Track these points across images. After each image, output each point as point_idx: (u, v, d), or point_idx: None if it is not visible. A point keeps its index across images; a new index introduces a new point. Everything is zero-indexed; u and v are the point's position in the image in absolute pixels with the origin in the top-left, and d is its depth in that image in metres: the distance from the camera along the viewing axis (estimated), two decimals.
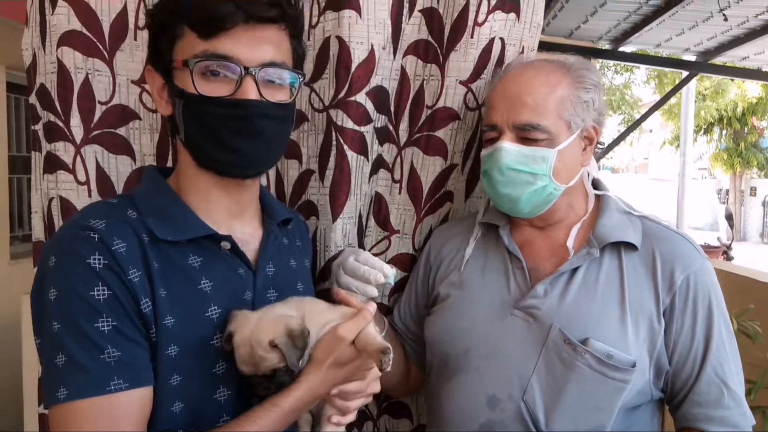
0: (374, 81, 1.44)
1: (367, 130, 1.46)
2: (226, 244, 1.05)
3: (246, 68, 0.97)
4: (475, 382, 1.23)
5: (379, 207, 1.55)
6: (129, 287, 0.92)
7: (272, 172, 1.53)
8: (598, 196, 1.34)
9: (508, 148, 1.22)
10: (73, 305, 0.89)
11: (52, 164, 1.34)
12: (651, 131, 25.28)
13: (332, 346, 1.01)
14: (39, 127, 1.36)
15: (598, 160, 1.85)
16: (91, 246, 0.91)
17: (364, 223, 1.54)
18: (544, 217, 1.30)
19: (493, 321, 1.26)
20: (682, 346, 1.17)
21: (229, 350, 0.99)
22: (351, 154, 1.44)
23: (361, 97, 1.43)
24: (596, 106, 1.27)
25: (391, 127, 1.52)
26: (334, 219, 1.46)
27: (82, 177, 1.35)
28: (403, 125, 1.51)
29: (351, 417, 1.13)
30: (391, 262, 1.54)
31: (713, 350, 1.16)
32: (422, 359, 1.43)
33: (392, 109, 1.51)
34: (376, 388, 1.15)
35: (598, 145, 1.34)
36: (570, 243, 1.27)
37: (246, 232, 1.13)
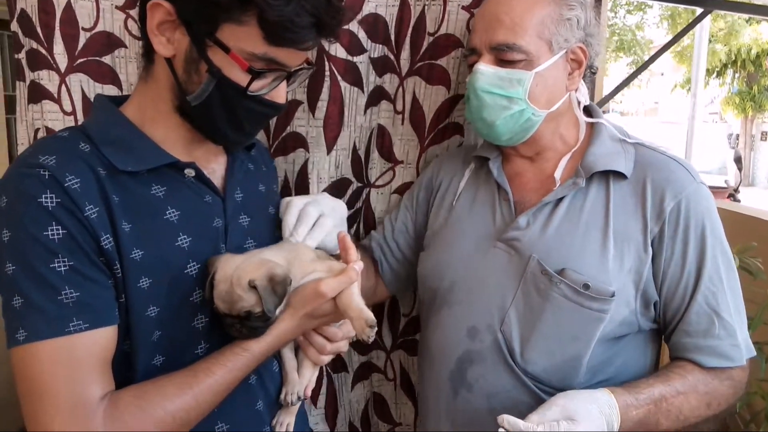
0: (367, 8, 1.38)
1: (361, 60, 1.41)
2: (190, 171, 1.01)
3: (287, 71, 0.99)
4: (458, 314, 1.22)
5: (382, 139, 1.50)
6: (85, 224, 0.88)
7: None
8: (590, 125, 1.28)
9: (483, 71, 1.17)
10: (27, 247, 0.86)
11: (37, 93, 1.30)
12: (662, 74, 24.75)
13: (311, 299, 1.01)
14: (22, 55, 1.31)
15: (606, 102, 1.78)
16: (42, 184, 0.87)
17: (362, 156, 1.50)
18: (529, 146, 1.25)
19: (477, 254, 1.24)
20: (672, 275, 1.13)
21: (209, 297, 0.97)
22: (344, 85, 1.40)
23: (353, 26, 1.37)
24: (582, 25, 1.19)
25: (392, 57, 1.45)
26: (329, 151, 1.43)
27: (67, 107, 1.31)
28: (404, 54, 1.45)
29: (326, 358, 1.14)
30: (396, 192, 1.52)
31: (705, 279, 1.12)
32: (395, 278, 1.44)
33: (392, 37, 1.44)
34: (344, 347, 1.15)
35: (590, 70, 1.27)
36: (558, 174, 1.22)
37: (210, 159, 1.10)
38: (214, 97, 0.96)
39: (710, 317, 1.12)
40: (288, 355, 1.16)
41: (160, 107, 1.00)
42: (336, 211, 1.24)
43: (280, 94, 1.01)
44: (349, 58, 1.39)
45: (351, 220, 1.52)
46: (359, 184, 1.52)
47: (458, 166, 1.39)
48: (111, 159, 0.94)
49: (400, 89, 1.47)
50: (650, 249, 1.13)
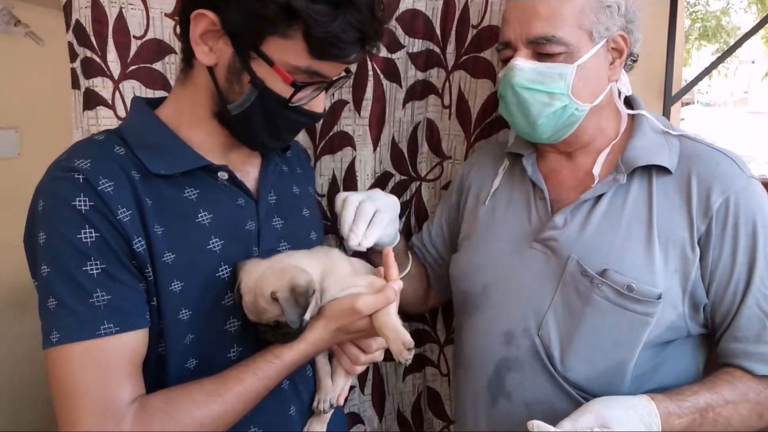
0: (403, 5, 1.38)
1: (399, 57, 1.41)
2: (223, 174, 1.01)
3: (327, 82, 0.99)
4: (492, 319, 1.17)
5: (431, 133, 1.48)
6: (118, 228, 0.89)
7: None
8: (631, 117, 1.19)
9: (522, 66, 1.10)
10: (61, 249, 0.87)
11: (91, 100, 1.35)
12: (753, 62, 23.22)
13: (346, 314, 0.99)
14: (77, 64, 1.36)
15: (686, 92, 1.68)
16: (76, 187, 0.88)
17: (403, 149, 1.49)
18: (569, 142, 1.18)
19: (512, 256, 1.18)
20: (721, 276, 1.04)
21: (239, 303, 0.97)
22: (386, 83, 1.40)
23: (392, 24, 1.37)
24: (623, 11, 1.12)
25: (437, 50, 1.43)
26: (375, 148, 1.43)
27: (121, 112, 1.36)
28: (450, 47, 1.42)
29: (360, 369, 1.12)
30: (445, 188, 1.49)
31: (756, 281, 1.03)
32: (440, 283, 1.39)
33: (438, 31, 1.42)
34: (379, 357, 1.13)
35: (631, 58, 1.19)
36: (596, 169, 1.15)
37: (244, 161, 1.09)
38: (256, 108, 0.96)
39: (762, 322, 1.03)
40: (322, 361, 1.14)
41: (198, 112, 1.01)
42: (390, 207, 1.22)
43: (319, 103, 1.01)
44: (388, 55, 1.40)
45: (400, 214, 1.51)
46: (402, 177, 1.51)
47: (490, 164, 1.33)
48: (145, 162, 0.95)
49: (447, 83, 1.44)
50: (697, 249, 1.05)
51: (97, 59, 1.33)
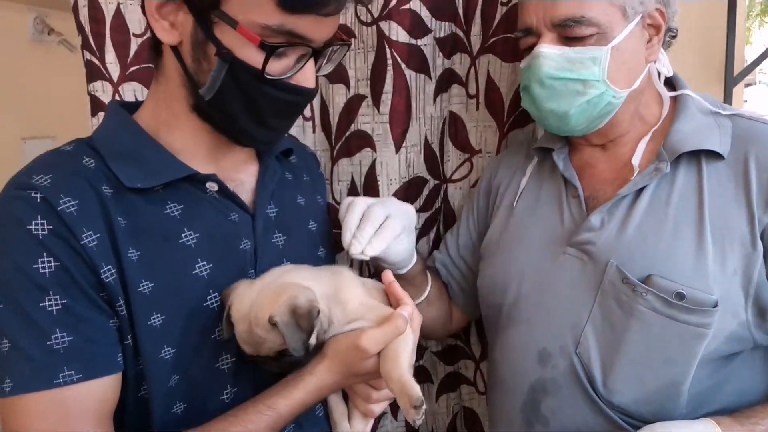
0: None
1: (426, 43, 1.25)
2: (212, 185, 0.88)
3: (312, 48, 0.83)
4: (526, 335, 1.03)
5: (455, 128, 1.33)
6: (82, 254, 0.76)
7: (317, 101, 1.36)
8: (674, 99, 1.05)
9: (548, 54, 0.96)
10: (15, 281, 0.74)
11: (95, 107, 1.27)
12: None
13: (351, 354, 0.84)
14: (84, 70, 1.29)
15: (747, 73, 1.55)
16: (33, 208, 0.75)
17: (436, 150, 1.34)
18: (605, 133, 1.03)
19: (544, 263, 1.04)
20: None
21: (228, 336, 0.84)
22: (409, 73, 1.24)
23: (414, 4, 1.22)
24: None
25: (461, 34, 1.28)
26: (397, 149, 1.28)
27: None
28: (475, 29, 1.27)
29: (377, 408, 0.96)
30: (476, 186, 1.33)
31: None
32: (469, 301, 1.24)
33: (461, 11, 1.27)
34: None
35: (670, 34, 1.04)
36: (636, 159, 1.00)
37: (237, 168, 0.96)
38: (229, 86, 0.81)
39: None
40: (335, 400, 0.99)
41: (175, 108, 0.87)
42: (406, 215, 1.05)
43: (307, 76, 0.84)
44: (412, 41, 1.23)
45: (431, 222, 1.37)
46: (436, 182, 1.36)
47: (518, 162, 1.18)
48: (118, 175, 0.82)
49: (472, 70, 1.28)
50: (759, 244, 0.90)
51: (97, 62, 1.25)
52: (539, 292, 1.03)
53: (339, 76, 1.31)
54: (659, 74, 1.04)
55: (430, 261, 1.30)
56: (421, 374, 1.44)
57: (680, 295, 0.89)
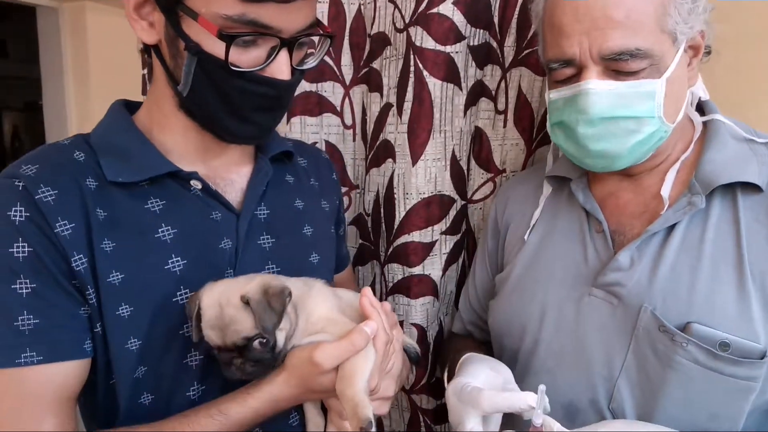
0: None
1: (457, 50, 1.16)
2: (196, 183, 0.88)
3: (282, 39, 0.80)
4: (548, 386, 0.92)
5: (480, 144, 1.24)
6: (55, 242, 0.78)
7: (358, 109, 1.32)
8: (704, 124, 0.94)
9: (599, 91, 0.85)
10: None
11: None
12: None
13: (306, 370, 0.82)
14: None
15: None
16: (14, 196, 0.78)
17: (464, 167, 1.25)
18: (641, 164, 0.93)
19: (567, 305, 0.94)
20: None
21: (198, 338, 0.82)
22: (434, 82, 1.16)
23: (446, 8, 1.13)
24: (704, 3, 0.87)
25: (494, 44, 1.19)
26: (415, 161, 1.20)
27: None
28: (510, 40, 1.18)
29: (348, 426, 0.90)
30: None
31: None
32: None
33: (496, 20, 1.18)
34: (383, 410, 0.91)
35: (705, 51, 0.92)
36: (665, 191, 0.90)
37: (229, 168, 0.95)
38: (201, 81, 0.80)
39: None
40: (312, 411, 0.95)
41: (165, 108, 0.88)
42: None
43: (281, 68, 0.82)
44: (439, 48, 1.15)
45: (459, 247, 1.29)
46: (463, 202, 1.28)
47: (529, 193, 1.08)
48: (104, 169, 0.84)
49: (503, 83, 1.19)
50: None
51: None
52: (562, 337, 0.94)
53: (375, 84, 1.27)
54: (692, 96, 0.94)
55: (455, 328, 1.22)
56: (438, 412, 1.35)
57: (724, 346, 0.80)
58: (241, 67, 0.79)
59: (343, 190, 1.37)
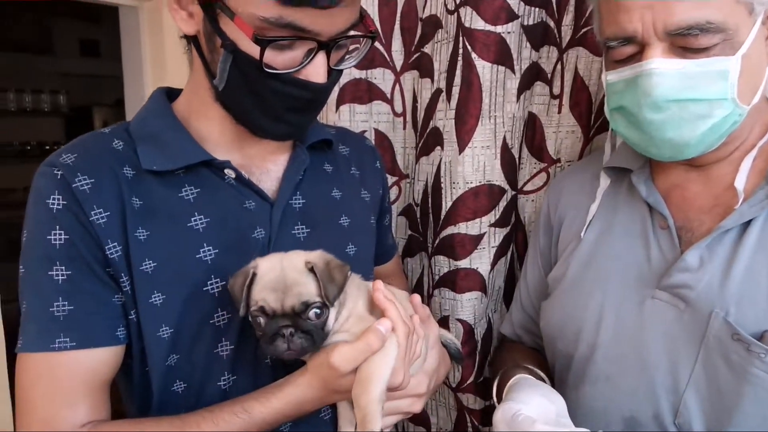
0: None
1: (510, 30, 1.09)
2: (230, 172, 0.87)
3: (319, 42, 0.78)
4: (605, 396, 0.86)
5: (533, 131, 1.17)
6: (90, 231, 0.79)
7: (408, 96, 1.27)
8: None
9: (664, 71, 0.76)
10: (33, 250, 0.80)
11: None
12: None
13: (326, 372, 0.79)
14: None
15: None
16: (53, 184, 0.79)
17: (516, 155, 1.18)
18: (711, 153, 0.83)
19: (628, 308, 0.86)
20: None
21: (245, 312, 0.80)
22: (482, 65, 1.10)
23: None
24: None
25: (552, 24, 1.11)
26: (462, 149, 1.14)
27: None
28: (567, 19, 1.10)
29: (387, 421, 0.86)
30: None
31: None
32: None
33: None
34: (416, 407, 0.88)
35: None
36: (740, 183, 0.80)
37: (265, 158, 0.92)
38: (236, 79, 0.80)
39: None
40: (344, 405, 0.91)
41: (203, 97, 0.86)
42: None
43: (317, 71, 0.80)
44: (490, 28, 1.09)
45: (508, 240, 1.22)
46: (514, 192, 1.21)
47: (585, 186, 1.00)
48: (140, 157, 0.84)
49: (559, 66, 1.11)
50: None
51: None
52: (621, 343, 0.86)
53: (426, 70, 1.22)
54: None
55: (505, 327, 1.16)
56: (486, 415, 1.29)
57: None
58: (276, 68, 0.77)
59: (393, 179, 1.33)
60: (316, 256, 0.80)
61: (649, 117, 0.79)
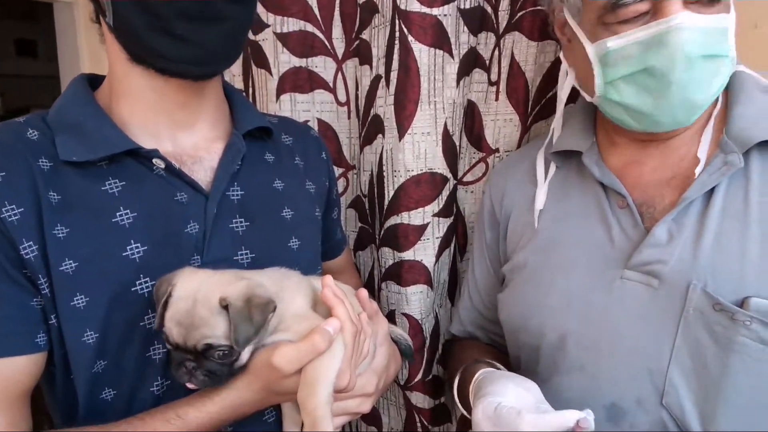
0: None
1: (446, 13, 1.07)
2: (159, 162, 0.80)
3: None
4: (582, 386, 0.84)
5: (472, 120, 1.15)
6: (2, 229, 0.72)
7: (351, 84, 1.24)
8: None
9: (691, 25, 0.74)
10: None
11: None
12: None
13: (267, 373, 0.75)
14: None
15: None
16: None
17: (457, 143, 1.16)
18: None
19: (595, 293, 0.84)
20: None
21: (159, 326, 0.75)
22: (420, 48, 1.07)
23: None
24: None
25: (489, 8, 1.10)
26: (401, 135, 1.11)
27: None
28: (504, 4, 1.08)
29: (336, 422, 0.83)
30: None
31: None
32: None
33: None
34: (365, 407, 0.85)
35: None
36: (702, 152, 0.80)
37: (199, 147, 0.86)
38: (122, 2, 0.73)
39: None
40: (289, 406, 0.88)
41: (118, 70, 0.81)
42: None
43: None
44: (426, 10, 1.06)
45: (451, 231, 1.20)
46: (455, 182, 1.19)
47: (527, 174, 0.99)
48: (58, 147, 0.77)
49: (496, 51, 1.10)
50: None
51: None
52: (593, 329, 0.84)
53: (365, 56, 1.19)
54: None
55: (455, 326, 1.13)
56: (439, 413, 1.27)
57: None
58: None
59: (340, 171, 1.29)
60: (238, 291, 0.72)
61: (679, 76, 0.75)
